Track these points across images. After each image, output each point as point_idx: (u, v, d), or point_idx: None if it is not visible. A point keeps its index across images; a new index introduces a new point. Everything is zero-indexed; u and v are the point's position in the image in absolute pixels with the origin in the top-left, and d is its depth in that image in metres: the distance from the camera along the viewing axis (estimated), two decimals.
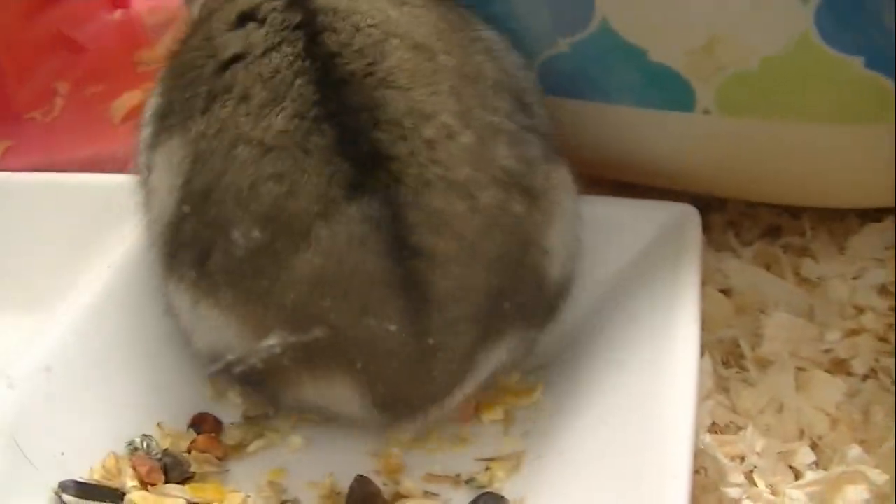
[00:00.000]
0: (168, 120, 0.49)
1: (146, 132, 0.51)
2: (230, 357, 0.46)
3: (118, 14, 0.79)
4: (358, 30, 0.46)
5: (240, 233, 0.44)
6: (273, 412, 0.51)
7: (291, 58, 0.45)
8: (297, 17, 0.46)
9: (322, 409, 0.49)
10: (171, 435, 0.50)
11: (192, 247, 0.46)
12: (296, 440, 0.50)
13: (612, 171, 0.58)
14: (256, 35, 0.47)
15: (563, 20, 0.53)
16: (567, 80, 0.54)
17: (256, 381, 0.48)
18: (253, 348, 0.45)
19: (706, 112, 0.52)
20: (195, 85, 0.48)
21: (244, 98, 0.45)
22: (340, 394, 0.46)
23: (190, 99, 0.48)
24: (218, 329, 0.46)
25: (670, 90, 0.52)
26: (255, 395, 0.51)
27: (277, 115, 0.45)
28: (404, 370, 0.45)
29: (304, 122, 0.45)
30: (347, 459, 0.49)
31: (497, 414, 0.51)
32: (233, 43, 0.47)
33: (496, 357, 0.48)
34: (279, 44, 0.46)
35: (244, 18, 0.48)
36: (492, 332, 0.46)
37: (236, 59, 0.47)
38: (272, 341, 0.44)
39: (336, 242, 0.43)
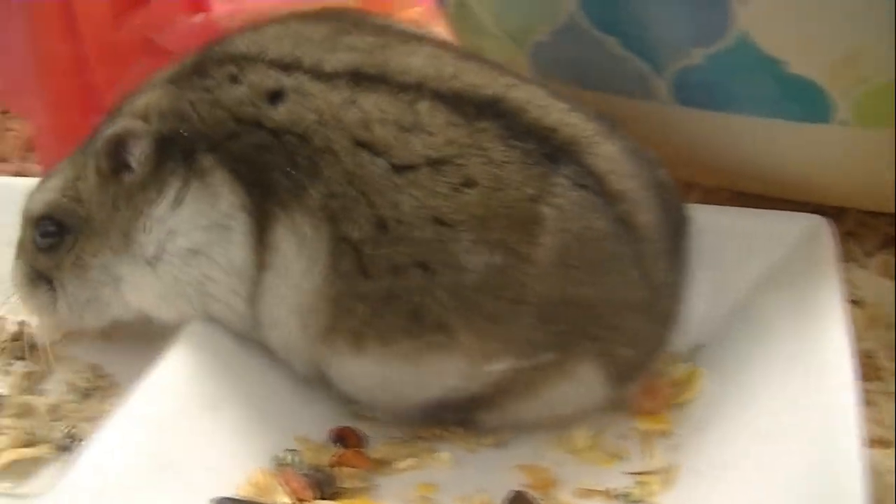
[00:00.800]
0: (266, 202, 0.48)
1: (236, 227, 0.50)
2: (453, 393, 0.47)
3: (199, 18, 0.78)
4: None
5: (462, 252, 0.44)
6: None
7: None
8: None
9: (537, 418, 0.49)
10: (313, 449, 0.49)
11: (394, 303, 0.46)
12: (444, 456, 0.49)
13: (737, 181, 0.58)
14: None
15: (698, 32, 0.53)
16: (700, 92, 0.54)
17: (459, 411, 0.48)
18: (491, 371, 0.46)
19: (843, 123, 0.52)
20: (281, 163, 0.48)
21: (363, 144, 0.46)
22: (582, 382, 0.47)
23: (285, 175, 0.47)
24: (442, 372, 0.47)
25: (808, 102, 0.52)
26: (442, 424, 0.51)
27: (425, 132, 0.46)
28: (640, 323, 0.47)
29: (465, 123, 0.46)
30: (497, 474, 0.48)
31: (651, 423, 0.50)
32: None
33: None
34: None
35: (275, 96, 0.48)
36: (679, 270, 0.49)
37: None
38: (523, 356, 0.45)
39: (565, 215, 0.44)
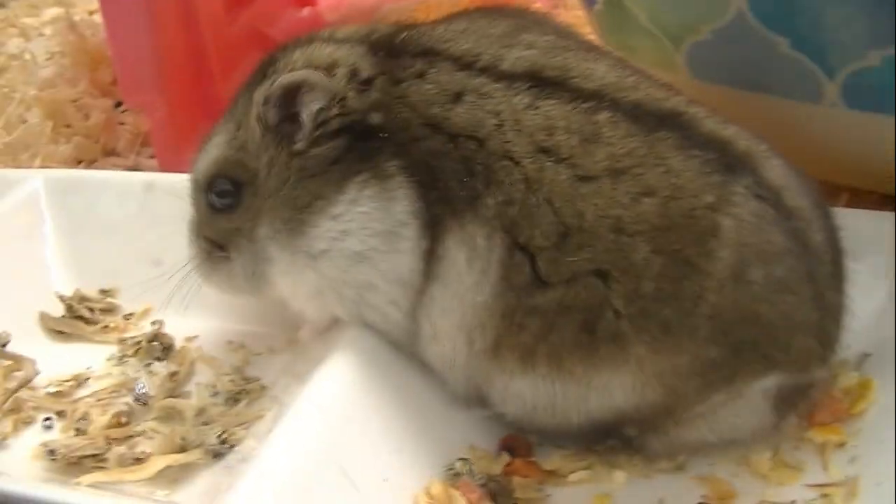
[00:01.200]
0: (439, 211, 0.46)
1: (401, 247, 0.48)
2: (616, 416, 0.45)
3: (306, 11, 0.78)
4: None
5: (640, 260, 0.43)
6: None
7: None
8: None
9: (702, 443, 0.47)
10: (484, 458, 0.48)
11: (568, 314, 0.44)
12: (620, 476, 0.48)
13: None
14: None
15: (875, 32, 0.51)
16: (872, 94, 0.52)
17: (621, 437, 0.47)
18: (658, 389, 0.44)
19: None
20: (458, 169, 0.46)
21: (546, 150, 0.45)
22: (750, 405, 0.45)
23: (460, 182, 0.46)
24: (611, 391, 0.45)
25: None
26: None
27: (606, 143, 0.44)
28: (809, 345, 0.45)
29: (644, 134, 0.44)
30: (674, 485, 0.47)
31: (826, 434, 0.49)
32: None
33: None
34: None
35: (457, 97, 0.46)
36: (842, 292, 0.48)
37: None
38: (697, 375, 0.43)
39: (744, 227, 0.43)
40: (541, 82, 0.46)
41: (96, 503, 0.43)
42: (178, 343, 0.59)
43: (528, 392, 0.47)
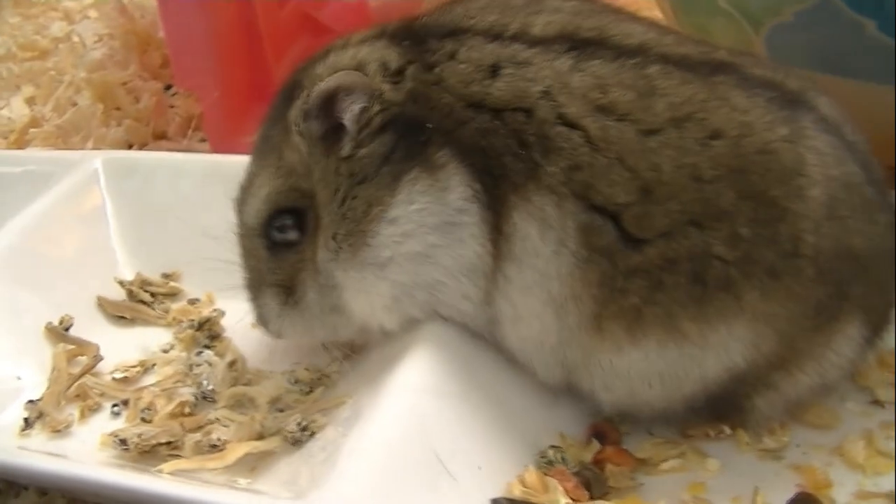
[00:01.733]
0: (498, 189, 0.45)
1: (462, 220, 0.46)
2: (730, 375, 0.45)
3: None
4: None
5: (729, 206, 0.42)
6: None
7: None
8: None
9: (809, 391, 0.47)
10: (573, 446, 0.47)
11: (674, 268, 0.43)
12: (713, 463, 0.47)
13: None
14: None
15: None
16: None
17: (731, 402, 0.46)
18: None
19: None
20: (509, 144, 0.44)
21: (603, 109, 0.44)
22: (851, 340, 0.46)
23: (514, 156, 0.44)
24: (726, 345, 0.44)
25: None
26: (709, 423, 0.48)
27: (661, 94, 0.44)
28: (890, 273, 0.46)
29: (700, 79, 0.44)
30: (769, 474, 0.46)
31: None
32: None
33: None
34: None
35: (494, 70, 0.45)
36: None
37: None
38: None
39: (826, 160, 0.43)
40: (579, 44, 0.45)
41: (195, 494, 0.41)
42: (239, 330, 0.58)
43: (637, 365, 0.45)
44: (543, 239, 0.44)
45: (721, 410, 0.47)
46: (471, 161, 0.45)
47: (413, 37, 0.48)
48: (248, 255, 0.52)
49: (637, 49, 0.45)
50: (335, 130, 0.47)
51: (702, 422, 0.48)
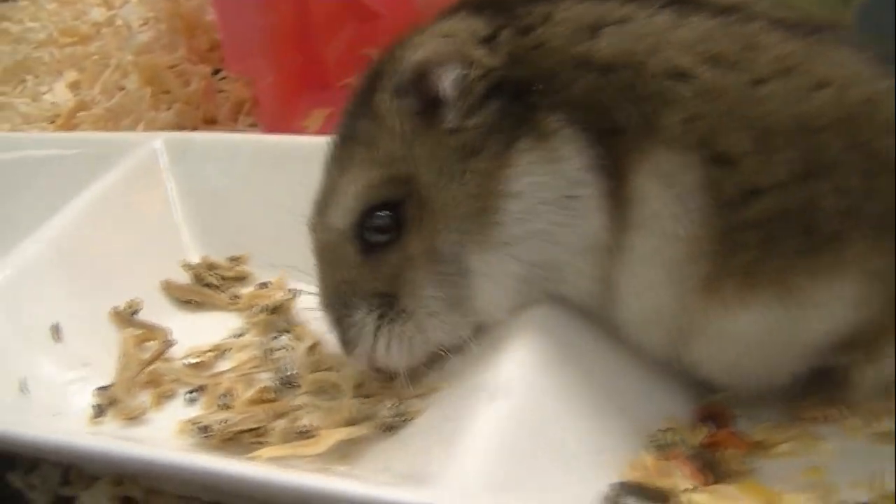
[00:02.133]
0: (614, 151, 0.44)
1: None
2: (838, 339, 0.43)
3: None
4: None
5: (838, 155, 0.42)
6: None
7: None
8: None
9: None
10: (685, 429, 0.45)
11: (787, 219, 0.42)
12: (827, 447, 0.45)
13: None
14: None
15: None
16: None
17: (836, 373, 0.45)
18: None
19: None
20: (620, 101, 0.43)
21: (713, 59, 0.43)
22: None
23: (627, 113, 0.43)
24: (834, 304, 0.43)
25: None
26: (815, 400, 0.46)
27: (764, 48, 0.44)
28: None
29: (800, 37, 0.44)
30: (888, 458, 0.45)
31: None
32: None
33: None
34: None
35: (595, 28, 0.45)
36: None
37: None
38: None
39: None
40: (675, 2, 0.44)
41: (319, 484, 0.38)
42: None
43: (747, 328, 0.43)
44: (664, 199, 0.43)
45: (826, 387, 0.46)
46: (584, 125, 0.44)
47: (495, 5, 0.47)
48: (331, 268, 0.48)
49: (732, 8, 0.45)
50: (432, 105, 0.45)
51: (809, 404, 0.46)
